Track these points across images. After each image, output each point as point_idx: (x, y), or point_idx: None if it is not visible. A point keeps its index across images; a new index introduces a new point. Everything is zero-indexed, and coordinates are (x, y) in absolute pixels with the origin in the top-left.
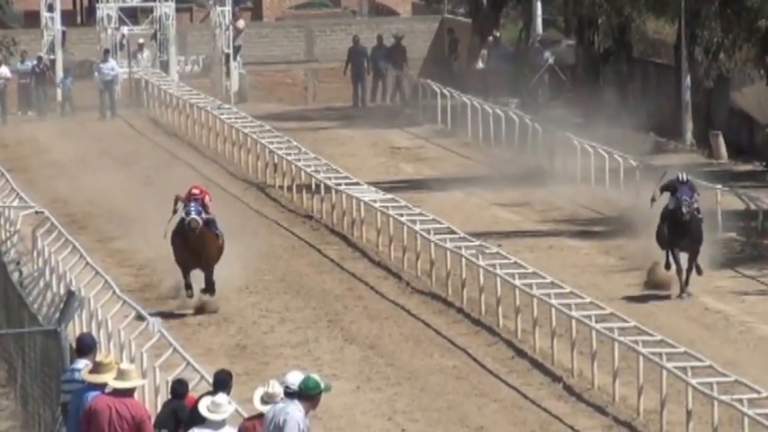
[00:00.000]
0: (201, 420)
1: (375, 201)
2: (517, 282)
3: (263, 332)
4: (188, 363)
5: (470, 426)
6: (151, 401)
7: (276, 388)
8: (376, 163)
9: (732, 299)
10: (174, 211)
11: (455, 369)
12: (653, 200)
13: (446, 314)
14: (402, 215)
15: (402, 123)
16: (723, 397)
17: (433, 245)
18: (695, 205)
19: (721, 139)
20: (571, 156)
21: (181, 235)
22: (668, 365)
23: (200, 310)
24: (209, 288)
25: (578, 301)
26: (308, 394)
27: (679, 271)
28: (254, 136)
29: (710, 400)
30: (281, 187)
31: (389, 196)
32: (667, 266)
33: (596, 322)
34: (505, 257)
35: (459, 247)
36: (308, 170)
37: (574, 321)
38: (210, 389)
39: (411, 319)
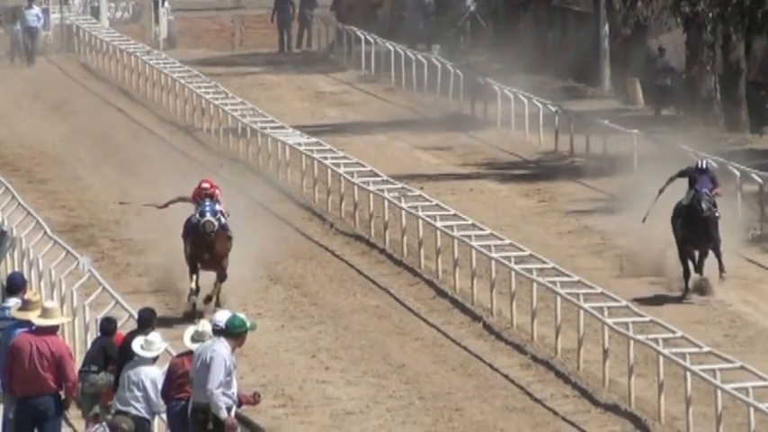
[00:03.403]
0: (130, 357)
1: (300, 144)
2: (438, 224)
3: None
4: (117, 301)
5: (392, 363)
6: (81, 339)
7: (206, 327)
8: (301, 107)
9: (648, 240)
10: (165, 206)
11: (377, 308)
12: (660, 191)
13: (369, 255)
14: (326, 158)
15: (327, 69)
16: (639, 336)
17: (356, 187)
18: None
19: (638, 86)
20: (492, 101)
21: (194, 235)
22: (585, 305)
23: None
24: (221, 280)
25: (498, 242)
26: (234, 332)
27: (697, 270)
28: (183, 81)
29: (626, 339)
30: (209, 130)
31: (314, 140)
32: (686, 274)
33: (515, 263)
34: (427, 200)
35: (382, 190)
36: (235, 114)
37: (493, 262)
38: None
39: (335, 260)
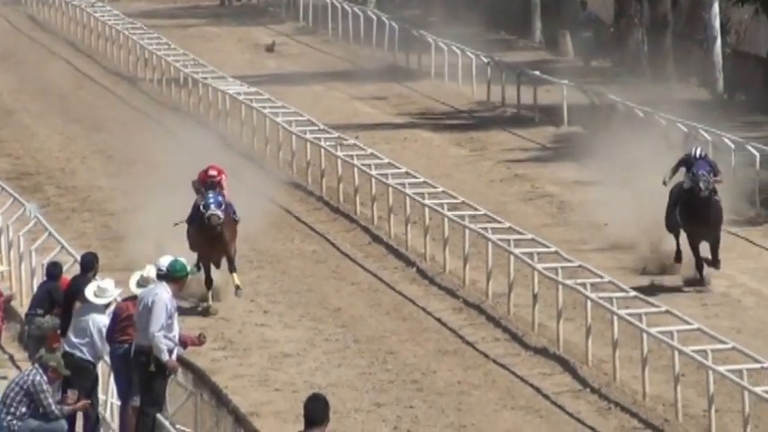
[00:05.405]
0: (73, 301)
1: (240, 94)
2: (373, 172)
3: (132, 217)
4: (62, 246)
5: (329, 307)
6: (27, 283)
7: (152, 272)
8: (241, 58)
9: (576, 188)
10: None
11: (315, 254)
12: (664, 183)
13: (306, 202)
14: (265, 108)
15: (266, 21)
16: (568, 281)
17: (294, 136)
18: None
19: (568, 38)
20: (426, 53)
21: (199, 227)
22: (516, 251)
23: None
24: (231, 269)
25: (431, 190)
26: (174, 276)
27: (698, 263)
28: (126, 32)
29: (555, 284)
30: (151, 81)
31: (253, 89)
32: (677, 258)
33: (448, 210)
34: (362, 149)
35: (319, 139)
36: (177, 65)
37: (427, 209)
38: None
39: (273, 206)
